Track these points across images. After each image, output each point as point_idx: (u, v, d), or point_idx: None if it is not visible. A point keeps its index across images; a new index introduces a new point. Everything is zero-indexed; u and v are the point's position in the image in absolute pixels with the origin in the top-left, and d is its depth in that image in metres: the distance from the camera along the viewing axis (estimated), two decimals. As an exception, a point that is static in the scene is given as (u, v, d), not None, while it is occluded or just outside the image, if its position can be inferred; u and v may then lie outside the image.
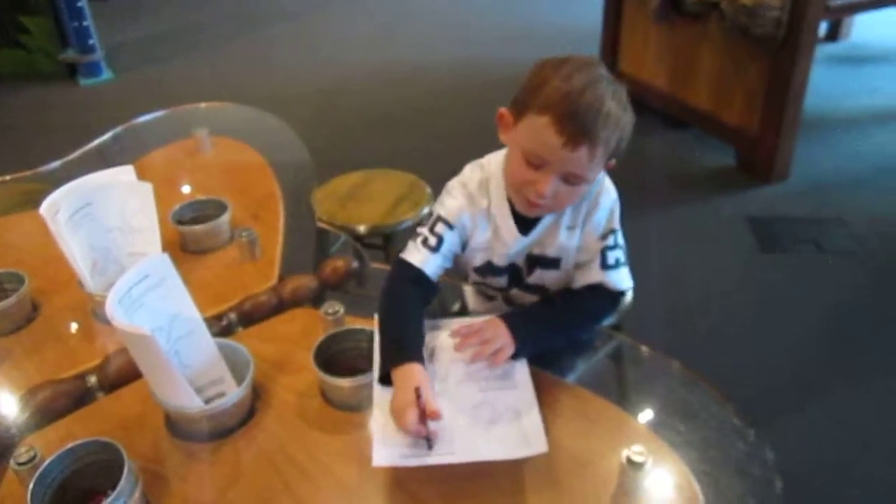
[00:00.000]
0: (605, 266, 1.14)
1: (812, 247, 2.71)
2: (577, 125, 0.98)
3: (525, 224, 1.16)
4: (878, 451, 1.90)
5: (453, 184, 1.20)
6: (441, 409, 0.97)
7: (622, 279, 1.15)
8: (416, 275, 1.14)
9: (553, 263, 1.19)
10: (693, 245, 2.77)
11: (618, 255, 1.15)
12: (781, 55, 2.87)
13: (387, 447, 0.94)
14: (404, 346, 1.05)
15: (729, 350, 2.23)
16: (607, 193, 1.15)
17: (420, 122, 3.80)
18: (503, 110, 1.10)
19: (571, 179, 1.04)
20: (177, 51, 4.87)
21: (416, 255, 1.15)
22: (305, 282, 1.30)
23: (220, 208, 1.46)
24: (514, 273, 1.24)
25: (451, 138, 3.52)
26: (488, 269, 1.23)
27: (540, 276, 1.21)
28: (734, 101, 3.18)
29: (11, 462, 0.92)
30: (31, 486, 0.87)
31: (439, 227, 1.16)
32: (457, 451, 0.94)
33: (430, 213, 1.20)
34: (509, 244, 1.18)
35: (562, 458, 0.95)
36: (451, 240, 1.17)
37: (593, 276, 1.15)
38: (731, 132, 3.24)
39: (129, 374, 1.10)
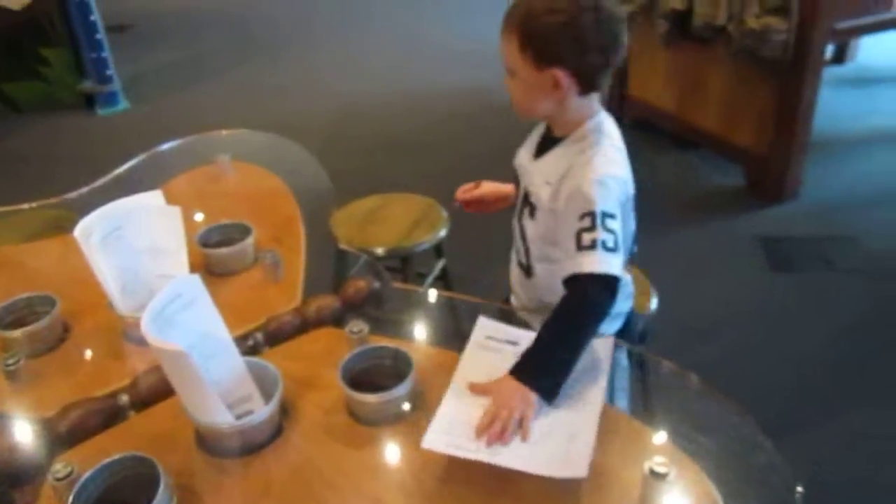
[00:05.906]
0: (580, 247, 1.11)
1: (823, 265, 2.73)
2: (504, 19, 1.17)
3: (541, 151, 1.28)
4: (890, 466, 1.91)
5: None
6: None
7: (600, 262, 1.09)
8: None
9: (532, 208, 1.27)
10: (704, 265, 2.79)
11: (595, 236, 1.10)
12: (789, 77, 2.91)
13: (441, 434, 0.99)
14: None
15: (741, 368, 2.25)
16: (592, 169, 1.15)
17: (430, 149, 3.84)
18: None
19: (509, 72, 1.20)
20: (189, 80, 4.95)
21: None
22: (328, 302, 1.33)
23: (244, 231, 1.49)
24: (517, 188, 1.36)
25: (462, 162, 3.56)
26: (518, 168, 1.35)
27: (525, 222, 1.30)
28: (743, 122, 3.21)
29: (49, 477, 0.94)
30: (69, 500, 0.89)
31: None
32: (502, 453, 0.97)
33: None
34: (521, 158, 1.33)
35: (584, 470, 0.96)
36: None
37: (569, 264, 1.13)
38: (740, 153, 3.28)
39: (160, 393, 1.13)
